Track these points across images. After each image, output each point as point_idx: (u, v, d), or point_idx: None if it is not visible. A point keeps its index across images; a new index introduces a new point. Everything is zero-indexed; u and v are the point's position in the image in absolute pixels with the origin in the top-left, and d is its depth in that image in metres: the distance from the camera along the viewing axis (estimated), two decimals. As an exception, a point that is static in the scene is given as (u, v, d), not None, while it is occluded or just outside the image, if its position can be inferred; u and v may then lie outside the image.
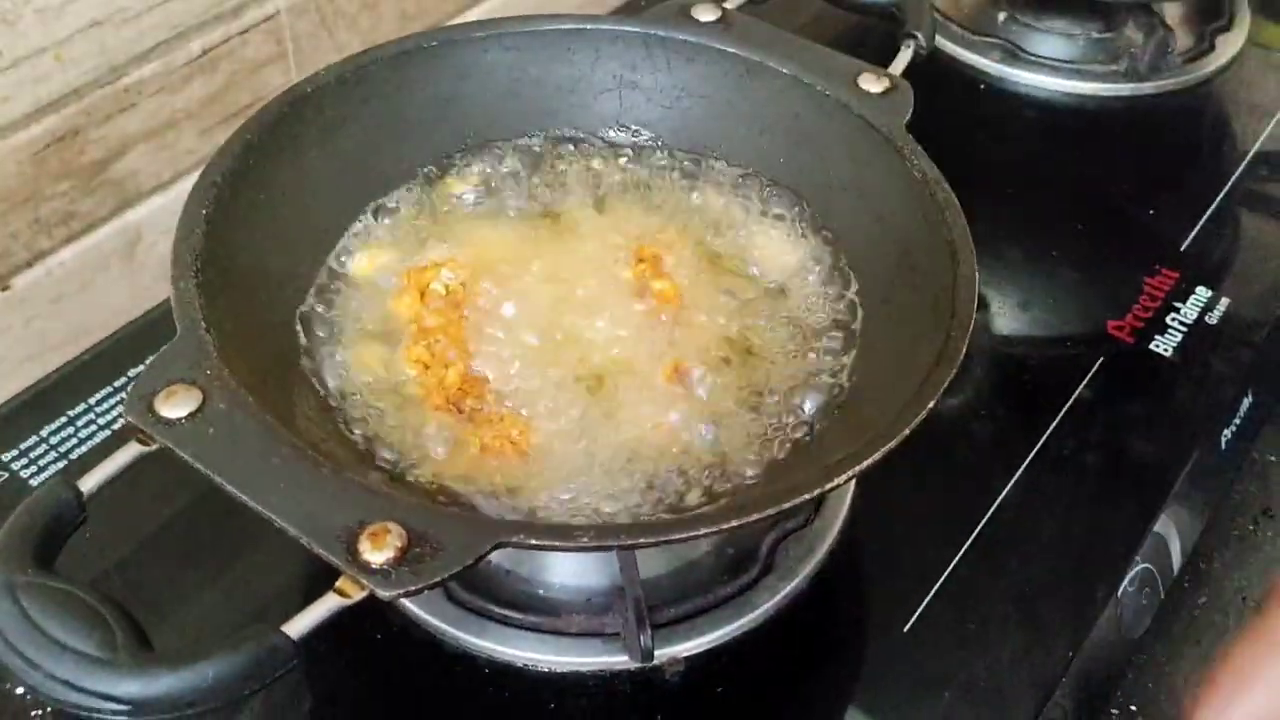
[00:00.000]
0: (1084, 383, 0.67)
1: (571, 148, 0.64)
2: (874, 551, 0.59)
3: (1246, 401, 0.69)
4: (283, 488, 0.40)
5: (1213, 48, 0.91)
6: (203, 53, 0.69)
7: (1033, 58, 0.88)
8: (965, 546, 0.59)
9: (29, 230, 0.65)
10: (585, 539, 0.41)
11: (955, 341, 0.47)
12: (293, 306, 0.55)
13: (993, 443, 0.65)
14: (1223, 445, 0.67)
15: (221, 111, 0.71)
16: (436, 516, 0.41)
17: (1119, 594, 0.58)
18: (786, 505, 0.43)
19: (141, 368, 0.44)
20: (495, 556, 0.40)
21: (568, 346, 0.55)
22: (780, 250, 0.60)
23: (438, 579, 0.38)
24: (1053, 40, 0.89)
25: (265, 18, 0.71)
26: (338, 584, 0.39)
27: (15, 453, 0.61)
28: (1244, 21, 0.94)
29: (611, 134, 0.64)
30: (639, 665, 0.52)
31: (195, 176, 0.51)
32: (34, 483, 0.60)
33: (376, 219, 0.59)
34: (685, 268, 0.59)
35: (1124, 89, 0.88)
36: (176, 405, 0.42)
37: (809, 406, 0.53)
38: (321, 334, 0.55)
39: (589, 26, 0.63)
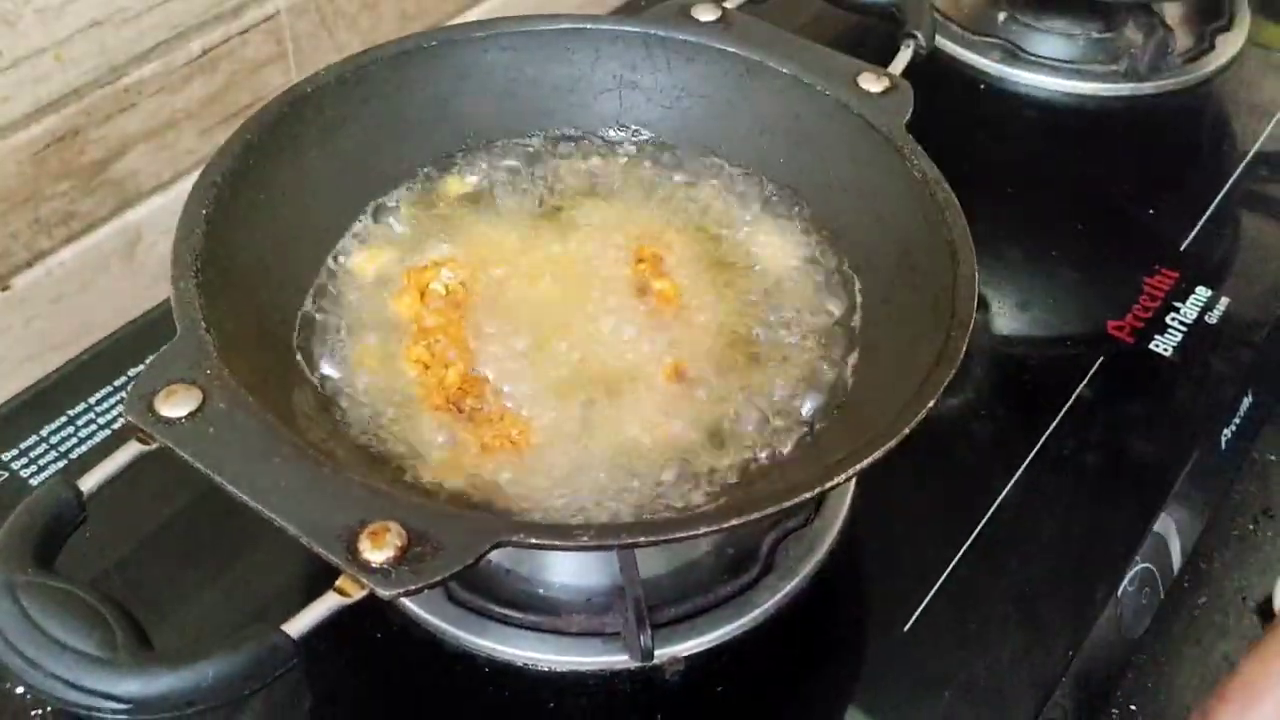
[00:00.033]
0: (1084, 383, 0.67)
1: (571, 147, 0.64)
2: (874, 551, 0.59)
3: (1246, 401, 0.69)
4: (283, 487, 0.40)
5: (1213, 48, 0.91)
6: (203, 53, 0.69)
7: (1033, 58, 0.88)
8: (965, 546, 0.59)
9: (29, 230, 0.65)
10: (585, 538, 0.41)
11: (955, 341, 0.47)
12: (293, 306, 0.55)
13: (993, 443, 0.65)
14: (1223, 445, 0.67)
15: (221, 111, 0.71)
16: (436, 516, 0.41)
17: (1119, 594, 0.58)
18: (786, 504, 0.43)
19: (141, 367, 0.44)
20: (495, 556, 0.40)
21: (568, 346, 0.55)
22: (780, 250, 0.60)
23: (438, 578, 0.38)
24: (1053, 40, 0.89)
25: (265, 18, 0.71)
26: (338, 583, 0.39)
27: (15, 452, 0.61)
28: (1244, 21, 0.94)
29: (611, 134, 0.65)
30: (639, 665, 0.52)
31: (195, 176, 0.51)
32: (34, 482, 0.60)
33: (376, 219, 0.59)
34: (685, 267, 0.59)
35: (1124, 89, 0.88)
36: (176, 405, 0.42)
37: (809, 406, 0.53)
38: (321, 334, 0.55)
39: (589, 26, 0.63)
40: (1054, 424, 0.65)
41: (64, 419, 0.62)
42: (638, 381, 0.54)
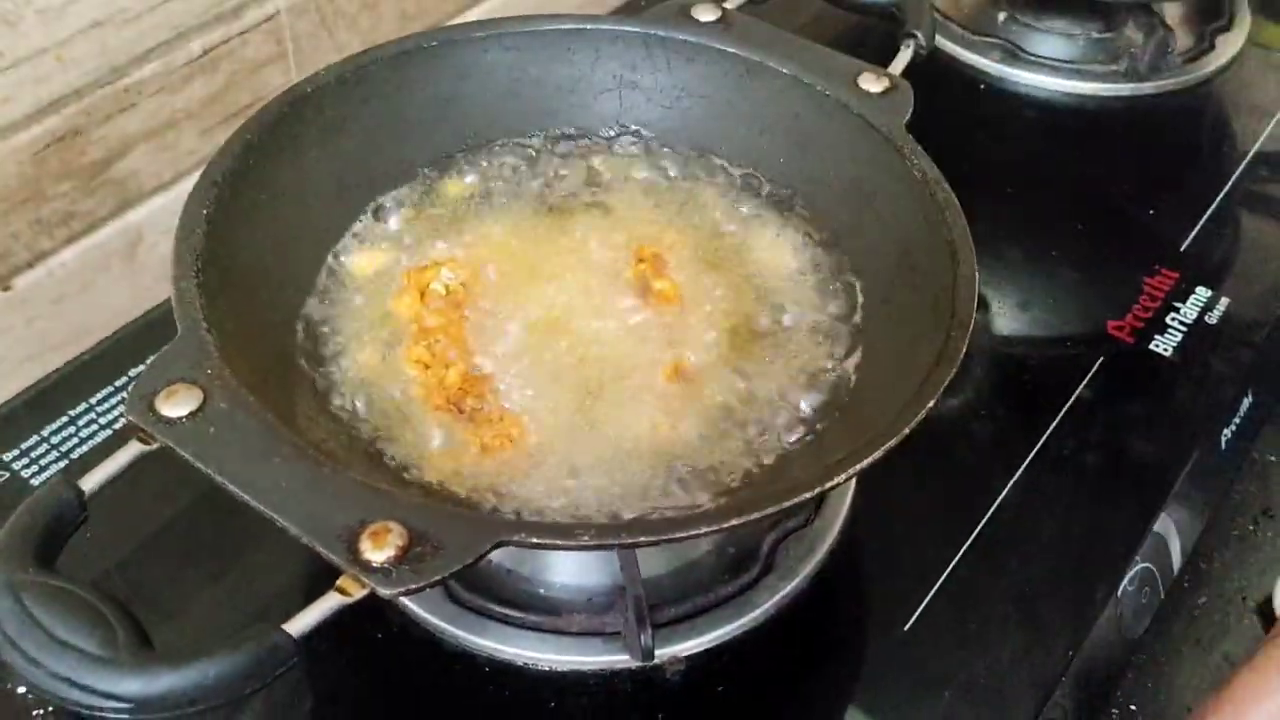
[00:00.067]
0: (1084, 383, 0.67)
1: (572, 147, 0.64)
2: (874, 551, 0.59)
3: (1246, 401, 0.69)
4: (284, 487, 0.40)
5: (1213, 48, 0.91)
6: (203, 53, 0.69)
7: (1033, 58, 0.88)
8: (965, 546, 0.59)
9: (30, 231, 0.65)
10: (586, 538, 0.41)
11: (955, 341, 0.47)
12: (293, 306, 0.55)
13: (993, 443, 0.65)
14: (1223, 445, 0.67)
15: (222, 111, 0.71)
16: (437, 515, 0.41)
17: (1119, 594, 0.58)
18: (786, 504, 0.43)
19: (142, 367, 0.44)
20: (496, 555, 0.40)
21: (568, 346, 0.55)
22: (780, 250, 0.60)
23: (438, 578, 0.38)
24: (1053, 40, 0.89)
25: (265, 18, 0.71)
26: (338, 583, 0.39)
27: (16, 452, 0.61)
28: (1244, 21, 0.94)
29: (611, 134, 0.65)
30: (640, 664, 0.52)
31: (196, 176, 0.51)
32: (35, 482, 0.60)
33: (377, 219, 0.60)
34: (685, 267, 0.59)
35: (1124, 89, 0.88)
36: (177, 404, 0.42)
37: (809, 406, 0.53)
38: (322, 333, 0.55)
39: (589, 26, 0.63)
40: (1054, 424, 0.65)
41: (65, 419, 0.62)
42: (638, 381, 0.54)
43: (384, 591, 0.38)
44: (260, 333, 0.51)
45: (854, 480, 0.57)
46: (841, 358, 0.55)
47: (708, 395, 0.53)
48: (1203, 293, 0.73)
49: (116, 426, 0.62)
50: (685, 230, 0.61)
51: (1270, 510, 0.72)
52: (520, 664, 0.53)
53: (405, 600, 0.54)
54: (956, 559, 0.58)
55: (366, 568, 0.38)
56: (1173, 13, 0.91)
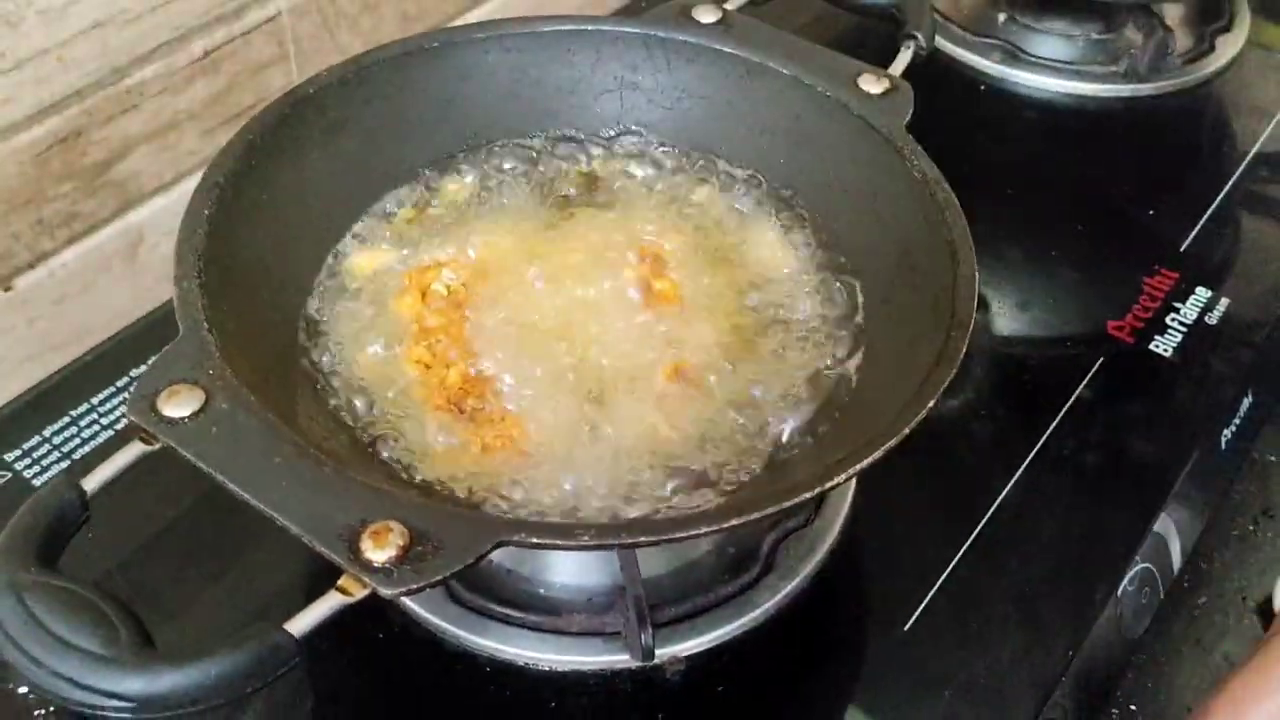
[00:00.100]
0: (1084, 383, 0.67)
1: (572, 148, 0.64)
2: (874, 551, 0.59)
3: (1246, 401, 0.69)
4: (285, 486, 0.41)
5: (1213, 48, 0.91)
6: (205, 54, 0.69)
7: (1033, 59, 0.89)
8: (965, 546, 0.59)
9: (31, 231, 0.65)
10: (586, 538, 0.41)
11: (955, 341, 0.47)
12: (295, 306, 0.55)
13: (993, 443, 0.65)
14: (1223, 445, 0.67)
15: (224, 112, 0.72)
16: (438, 515, 0.41)
17: (1119, 594, 0.58)
18: (786, 504, 0.43)
19: (144, 368, 0.44)
20: (496, 555, 0.40)
21: (569, 346, 0.55)
22: (780, 250, 0.60)
23: (439, 577, 0.38)
24: (1052, 41, 0.89)
25: (267, 19, 0.71)
26: (340, 582, 0.39)
27: (18, 453, 0.61)
28: (1244, 22, 0.94)
29: (612, 134, 0.65)
30: (640, 664, 0.52)
31: (197, 177, 0.51)
32: (37, 482, 0.60)
33: (378, 219, 0.60)
34: (686, 268, 0.59)
35: (1124, 90, 0.88)
36: (179, 405, 0.42)
37: (809, 407, 0.53)
38: (323, 334, 0.55)
39: (589, 28, 0.63)
40: (1054, 424, 0.65)
41: (67, 419, 0.63)
42: (638, 381, 0.54)
43: (385, 591, 0.38)
44: (261, 333, 0.51)
45: (854, 480, 0.58)
46: (842, 358, 0.55)
47: (708, 395, 0.54)
48: (1203, 293, 0.73)
49: (118, 427, 0.62)
50: (685, 230, 0.61)
51: (1270, 510, 0.72)
52: (521, 664, 0.53)
53: (406, 600, 0.54)
54: (956, 559, 0.58)
55: (367, 567, 0.38)
56: (1172, 14, 0.91)
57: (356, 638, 0.53)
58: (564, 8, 0.65)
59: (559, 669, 0.53)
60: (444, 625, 0.54)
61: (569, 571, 0.55)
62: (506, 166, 0.63)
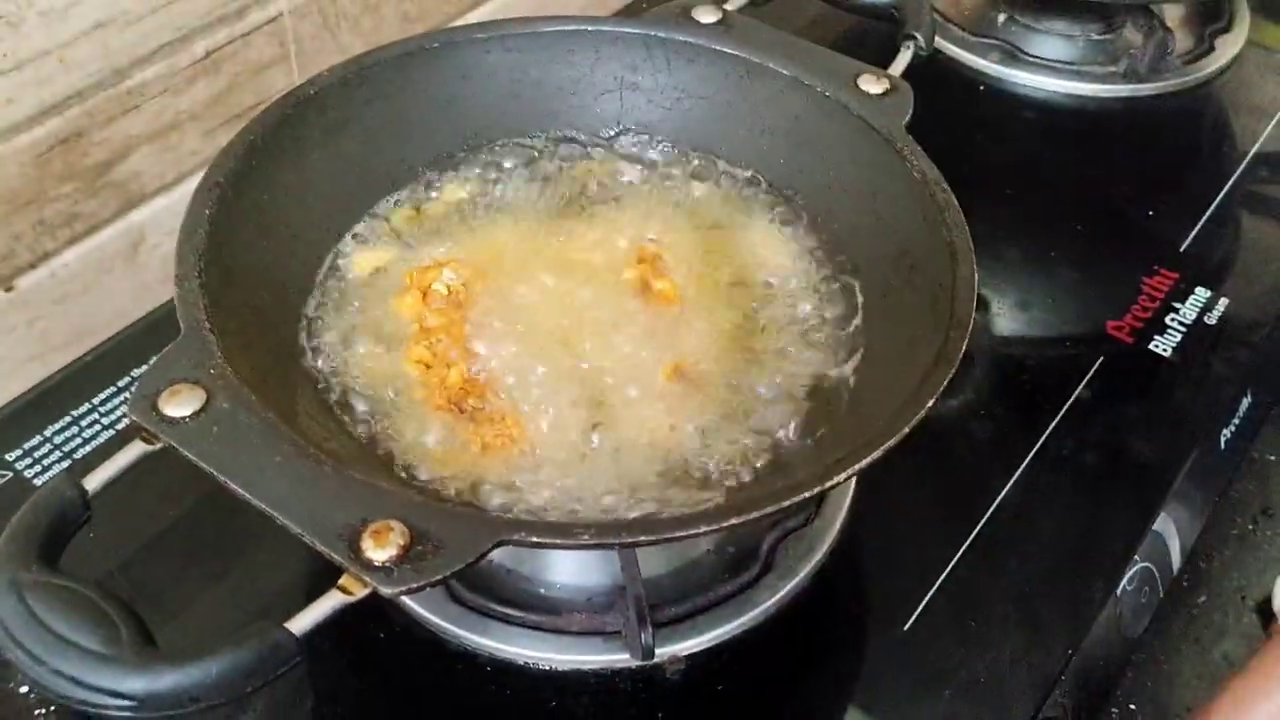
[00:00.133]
0: (1083, 383, 0.67)
1: (573, 148, 0.64)
2: (874, 550, 0.59)
3: (1246, 401, 0.69)
4: (286, 486, 0.41)
5: (1212, 49, 0.91)
6: (206, 54, 0.69)
7: (1032, 59, 0.89)
8: (965, 546, 0.59)
9: (33, 232, 0.65)
10: (586, 537, 0.41)
11: (954, 342, 0.47)
12: (295, 306, 0.55)
13: (992, 443, 0.65)
14: (1222, 445, 0.67)
15: (225, 113, 0.72)
16: (438, 514, 0.41)
17: (1118, 593, 0.58)
18: (786, 504, 0.43)
19: (145, 367, 0.44)
20: (496, 555, 0.40)
21: (569, 346, 0.55)
22: (780, 250, 0.60)
23: (440, 576, 0.39)
24: (1052, 41, 0.89)
25: (268, 20, 0.71)
26: (340, 581, 0.39)
27: (19, 452, 0.61)
28: (1244, 22, 0.94)
29: (612, 134, 0.65)
30: (640, 663, 0.53)
31: (198, 177, 0.51)
32: (38, 482, 0.60)
33: (378, 219, 0.60)
34: (685, 267, 0.59)
35: (1123, 90, 0.88)
36: (180, 404, 0.42)
37: (808, 406, 0.53)
38: (324, 333, 0.55)
39: (590, 28, 0.63)
40: (1053, 424, 0.65)
41: (68, 419, 0.63)
42: (638, 381, 0.54)
43: (386, 590, 0.38)
44: (262, 332, 0.51)
45: (854, 480, 0.58)
46: (842, 358, 0.55)
47: (707, 395, 0.54)
48: (1202, 293, 0.73)
49: (119, 426, 0.62)
50: (685, 230, 0.61)
51: (1269, 509, 0.72)
52: (521, 663, 0.53)
53: (406, 600, 0.54)
54: (956, 559, 0.58)
55: (368, 567, 0.38)
56: (1172, 14, 0.91)
57: (357, 637, 0.53)
58: (565, 8, 0.65)
59: (559, 668, 0.53)
60: (444, 625, 0.54)
61: (569, 571, 0.55)
62: (507, 166, 0.63)
